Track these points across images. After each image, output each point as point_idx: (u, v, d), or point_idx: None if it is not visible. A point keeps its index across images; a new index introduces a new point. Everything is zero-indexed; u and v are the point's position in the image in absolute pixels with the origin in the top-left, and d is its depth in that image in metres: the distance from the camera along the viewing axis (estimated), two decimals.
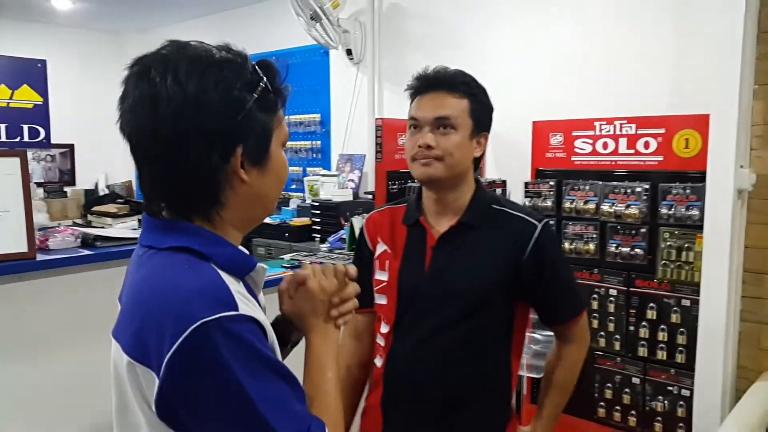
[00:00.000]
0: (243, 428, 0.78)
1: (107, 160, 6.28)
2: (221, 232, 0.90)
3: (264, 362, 0.80)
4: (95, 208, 5.94)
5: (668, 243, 2.51)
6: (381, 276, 1.52)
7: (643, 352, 2.60)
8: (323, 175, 3.87)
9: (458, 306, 1.41)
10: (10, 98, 5.83)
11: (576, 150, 2.83)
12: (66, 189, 6.08)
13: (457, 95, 1.41)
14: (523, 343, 1.57)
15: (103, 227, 5.69)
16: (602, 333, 2.70)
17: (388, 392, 1.49)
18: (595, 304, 2.72)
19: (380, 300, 1.52)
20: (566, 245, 2.81)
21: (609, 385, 2.70)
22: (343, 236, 3.20)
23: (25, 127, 5.98)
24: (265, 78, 0.88)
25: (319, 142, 4.46)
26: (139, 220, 6.09)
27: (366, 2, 3.94)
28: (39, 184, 5.57)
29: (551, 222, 1.56)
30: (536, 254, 1.41)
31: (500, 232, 1.44)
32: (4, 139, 5.79)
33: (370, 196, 3.58)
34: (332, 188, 3.72)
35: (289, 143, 4.70)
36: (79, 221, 5.78)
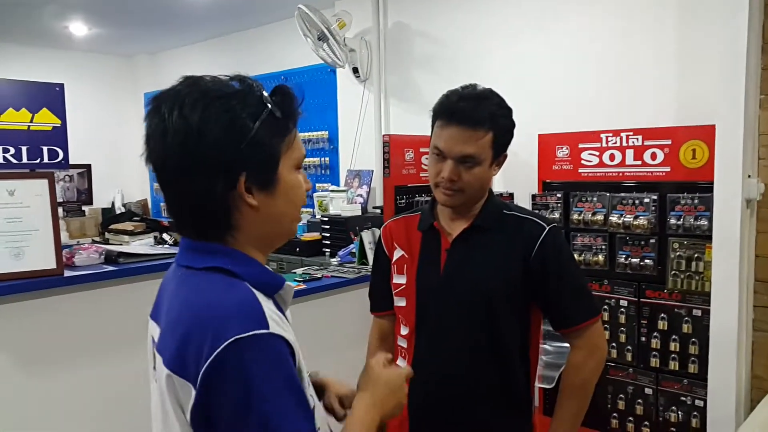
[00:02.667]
0: None
1: (123, 180, 6.28)
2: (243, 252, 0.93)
3: (286, 381, 0.81)
4: (112, 226, 5.90)
5: (678, 253, 2.44)
6: (399, 279, 1.54)
7: (655, 362, 2.52)
8: (332, 191, 3.82)
9: (474, 305, 1.43)
10: (31, 121, 5.84)
11: (583, 162, 2.77)
12: (84, 208, 6.06)
13: (481, 131, 1.38)
14: (538, 347, 1.56)
15: (120, 244, 5.67)
16: (614, 344, 2.62)
17: (413, 393, 1.45)
18: (606, 316, 2.65)
19: (399, 302, 1.54)
20: (575, 257, 2.74)
21: (621, 396, 2.61)
22: (353, 250, 3.14)
23: (45, 149, 5.96)
24: (270, 105, 0.89)
25: (327, 159, 4.42)
26: (155, 237, 6.03)
27: (372, 21, 3.91)
28: (59, 204, 5.56)
29: (561, 228, 1.53)
30: (542, 254, 1.42)
31: (511, 233, 1.46)
32: (25, 160, 5.80)
33: (378, 211, 3.52)
34: (341, 203, 3.67)
35: None
36: (97, 239, 5.76)
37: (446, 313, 1.46)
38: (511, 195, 3.20)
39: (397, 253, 1.56)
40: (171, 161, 0.87)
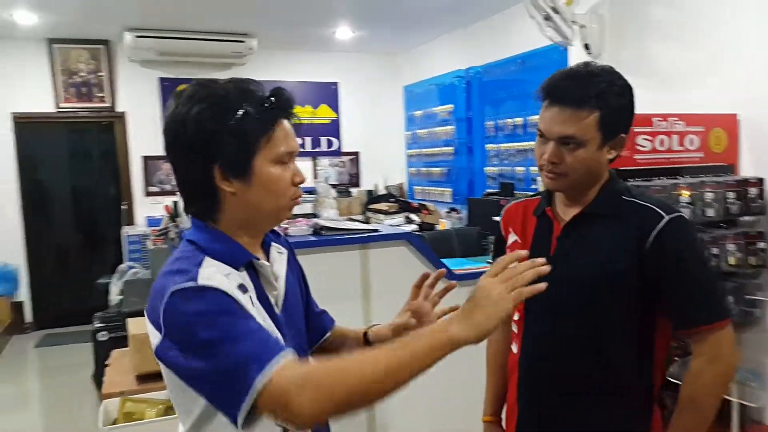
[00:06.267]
0: (201, 366, 0.89)
1: (385, 165, 6.77)
2: (232, 234, 1.03)
3: (220, 313, 0.91)
4: (371, 206, 6.47)
5: None
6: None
7: None
8: None
9: (579, 295, 1.29)
10: (313, 116, 6.69)
11: None
12: (352, 190, 6.73)
13: (585, 111, 1.23)
14: (666, 353, 1.35)
15: (379, 222, 6.19)
16: None
17: (521, 379, 1.42)
18: None
19: None
20: None
21: None
22: None
23: (323, 139, 6.80)
24: (248, 105, 0.98)
25: None
26: (405, 217, 6.41)
27: None
28: (332, 186, 6.25)
29: (686, 218, 1.29)
30: (658, 246, 1.23)
31: (626, 222, 1.28)
32: (308, 149, 6.69)
33: None
34: None
35: (524, 144, 4.47)
36: (359, 217, 6.36)
37: (550, 302, 1.30)
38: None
39: (512, 238, 1.48)
40: (168, 150, 1.02)
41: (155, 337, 0.95)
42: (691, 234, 1.29)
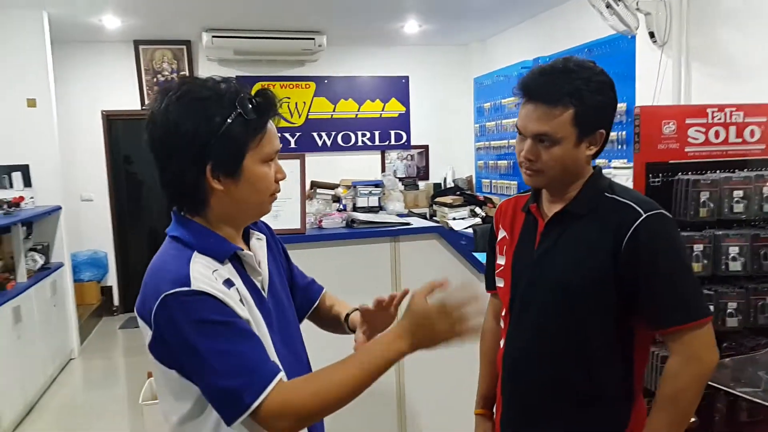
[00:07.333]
0: (199, 372, 0.98)
1: (454, 158, 6.78)
2: (214, 227, 1.09)
3: (213, 323, 0.97)
4: (437, 199, 6.49)
5: None
6: (500, 260, 1.49)
7: None
8: (614, 168, 3.46)
9: (557, 293, 1.30)
10: (382, 110, 6.80)
11: None
12: (419, 183, 6.78)
13: (559, 108, 1.24)
14: (647, 351, 1.37)
15: (443, 215, 6.20)
16: None
17: (504, 375, 1.45)
18: None
19: (499, 283, 1.50)
20: None
21: None
22: None
23: (392, 133, 6.90)
24: (239, 108, 1.02)
25: (624, 133, 4.00)
26: (470, 210, 6.39)
27: None
28: (400, 179, 6.33)
29: (666, 215, 1.25)
30: (633, 245, 1.22)
31: (605, 220, 1.27)
32: (377, 143, 6.81)
33: None
34: (623, 181, 3.30)
35: None
36: (425, 210, 6.40)
37: (532, 298, 1.36)
38: None
39: (501, 234, 1.51)
40: (156, 147, 1.05)
41: (147, 333, 1.01)
42: (669, 231, 1.26)
